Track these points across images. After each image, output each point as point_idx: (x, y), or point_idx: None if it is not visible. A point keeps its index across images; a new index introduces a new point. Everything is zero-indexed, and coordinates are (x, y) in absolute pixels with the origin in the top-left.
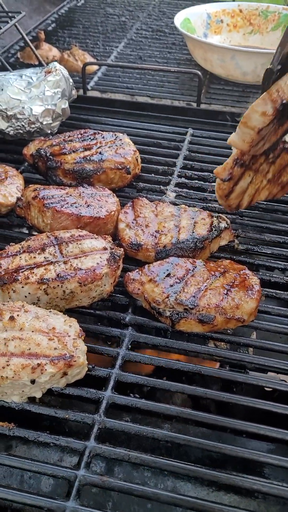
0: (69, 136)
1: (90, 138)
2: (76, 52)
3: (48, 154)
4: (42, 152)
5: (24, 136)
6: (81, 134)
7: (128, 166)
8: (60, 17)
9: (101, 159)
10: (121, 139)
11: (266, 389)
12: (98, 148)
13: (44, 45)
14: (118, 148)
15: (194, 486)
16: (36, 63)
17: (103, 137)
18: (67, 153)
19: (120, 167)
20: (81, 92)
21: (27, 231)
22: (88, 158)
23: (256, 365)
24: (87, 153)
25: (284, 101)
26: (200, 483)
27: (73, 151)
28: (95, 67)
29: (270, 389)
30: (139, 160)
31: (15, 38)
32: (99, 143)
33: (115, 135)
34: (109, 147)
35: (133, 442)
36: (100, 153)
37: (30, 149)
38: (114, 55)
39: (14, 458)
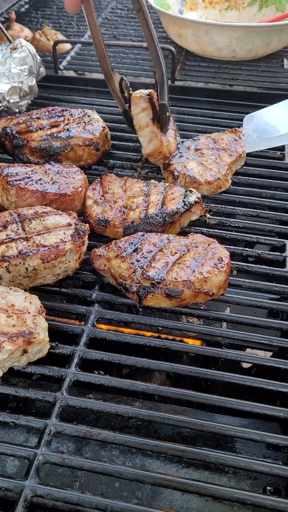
0: (37, 114)
1: (57, 115)
2: (48, 32)
3: (14, 132)
4: (8, 130)
5: None
6: (48, 112)
7: (96, 143)
8: None
9: (69, 135)
10: (89, 116)
11: (243, 364)
12: (65, 125)
13: (16, 26)
14: (86, 125)
15: (163, 463)
16: (8, 43)
17: (71, 114)
18: (33, 130)
19: (88, 144)
20: (52, 72)
21: None
22: (55, 135)
23: (229, 339)
24: (54, 130)
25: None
26: (170, 460)
27: (40, 129)
28: (68, 47)
29: (248, 365)
30: (109, 137)
31: None
32: (67, 120)
33: (83, 111)
34: (77, 123)
35: (102, 421)
36: (67, 129)
37: None
38: (88, 35)
39: None
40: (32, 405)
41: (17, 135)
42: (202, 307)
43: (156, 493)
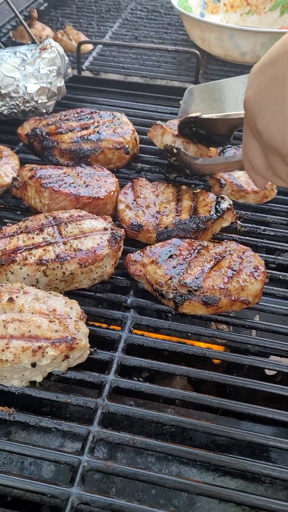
0: (65, 116)
1: (87, 117)
2: (70, 32)
3: (44, 134)
4: (38, 132)
5: (19, 116)
6: (77, 113)
7: (126, 146)
8: None
9: (99, 138)
10: (119, 119)
11: (267, 373)
12: (95, 127)
13: (37, 24)
14: (116, 128)
15: (199, 471)
16: (29, 42)
17: (101, 116)
18: (63, 132)
19: (118, 147)
20: (76, 72)
21: (23, 213)
22: (85, 137)
23: (260, 347)
24: (84, 132)
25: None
26: (206, 469)
27: (70, 130)
28: (90, 47)
29: (273, 373)
30: (138, 140)
31: (7, 17)
32: (97, 122)
33: (112, 114)
34: (107, 126)
35: (136, 427)
36: (98, 132)
37: (25, 129)
38: (109, 35)
39: (14, 443)
40: (67, 410)
41: (47, 136)
42: (231, 314)
43: (192, 502)
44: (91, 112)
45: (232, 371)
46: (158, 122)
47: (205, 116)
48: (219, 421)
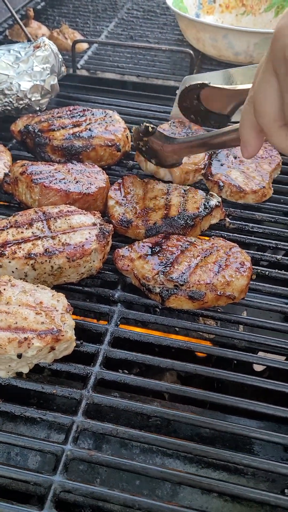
0: (58, 113)
1: (79, 114)
2: (66, 31)
3: (36, 131)
4: (31, 128)
5: (12, 113)
6: (70, 111)
7: (118, 143)
8: None
9: (91, 135)
10: (111, 116)
11: (255, 368)
12: (87, 124)
13: (33, 23)
14: (108, 125)
15: (183, 462)
16: (25, 41)
17: (93, 114)
18: (55, 129)
19: (110, 144)
20: (70, 70)
21: (14, 208)
22: (77, 134)
23: (246, 342)
24: (76, 129)
25: None
26: (189, 460)
27: (62, 128)
28: (85, 46)
29: (261, 369)
30: (129, 137)
31: (4, 16)
32: (89, 119)
33: (105, 112)
34: (99, 124)
35: (122, 419)
36: (89, 129)
37: (18, 126)
38: (104, 35)
39: (0, 433)
40: (53, 402)
41: (39, 133)
42: (219, 310)
43: (175, 492)
44: (84, 110)
45: (220, 367)
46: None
47: (214, 84)
48: (204, 414)
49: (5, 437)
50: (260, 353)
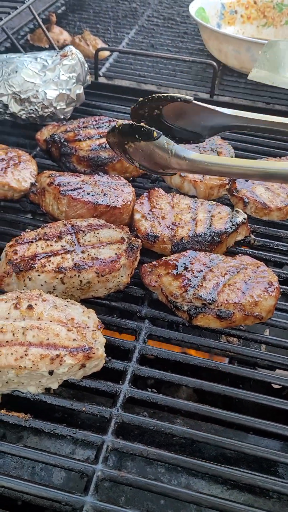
0: (84, 123)
1: (105, 125)
2: (88, 37)
3: (62, 140)
4: (56, 138)
5: (36, 121)
6: (95, 121)
7: None
8: (70, 0)
9: None
10: None
11: (274, 386)
12: None
13: (55, 28)
14: None
15: (208, 483)
16: (47, 46)
17: None
18: (82, 139)
19: None
20: (92, 78)
21: (40, 218)
22: (103, 145)
23: (267, 361)
24: (102, 140)
25: None
26: (214, 481)
27: (88, 138)
28: (107, 53)
29: (279, 387)
30: None
31: (25, 20)
32: None
33: None
34: None
35: (147, 437)
36: None
37: (43, 134)
38: (125, 42)
39: (30, 450)
40: (78, 416)
41: (65, 143)
42: (242, 328)
43: None
44: (109, 120)
45: (238, 384)
46: None
47: (196, 102)
48: (227, 433)
49: (35, 454)
50: (278, 371)
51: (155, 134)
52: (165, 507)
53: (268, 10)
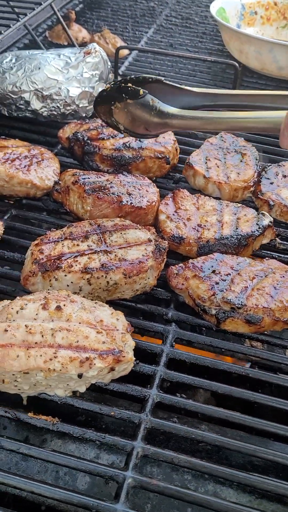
0: None
1: None
2: (107, 35)
3: (85, 139)
4: (80, 136)
5: (57, 118)
6: None
7: (167, 156)
8: None
9: (141, 146)
10: None
11: None
12: None
13: (74, 26)
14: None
15: (236, 492)
16: (65, 43)
17: None
18: (105, 138)
19: (159, 156)
20: (113, 76)
21: (64, 217)
22: (127, 144)
23: None
24: (126, 139)
25: None
26: (242, 489)
27: (112, 137)
28: (126, 52)
29: None
30: (178, 150)
31: (43, 17)
32: None
33: None
34: None
35: (172, 442)
36: (139, 140)
37: (66, 132)
38: (144, 41)
39: (59, 455)
40: (102, 421)
41: (88, 141)
42: (266, 332)
43: None
44: None
45: (258, 389)
46: (189, 162)
47: (168, 82)
48: (253, 440)
49: (64, 459)
50: None
51: (141, 92)
52: None
53: None
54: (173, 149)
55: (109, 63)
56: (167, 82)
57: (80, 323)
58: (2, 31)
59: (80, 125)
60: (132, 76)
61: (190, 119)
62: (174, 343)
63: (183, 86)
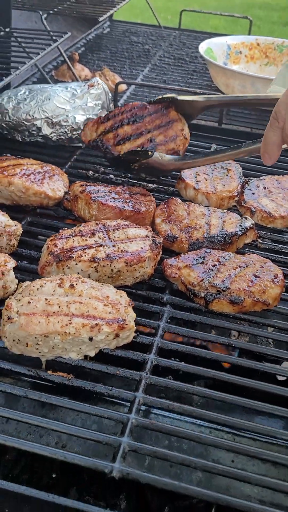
0: (120, 120)
1: (138, 116)
2: (107, 73)
3: (105, 147)
4: (100, 144)
5: (65, 142)
6: (129, 112)
7: (178, 150)
8: (88, 42)
9: (153, 147)
10: None
11: (279, 378)
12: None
13: (78, 65)
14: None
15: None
16: (70, 81)
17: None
18: (121, 142)
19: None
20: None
21: (73, 222)
22: (142, 147)
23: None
24: (139, 141)
25: None
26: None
27: (127, 140)
28: (124, 87)
29: (283, 379)
30: (188, 138)
31: (49, 58)
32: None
33: None
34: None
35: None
36: (151, 141)
37: (86, 135)
38: (140, 78)
39: (73, 402)
40: (108, 381)
41: (107, 149)
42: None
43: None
44: (140, 108)
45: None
46: (181, 176)
47: (179, 98)
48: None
49: (80, 406)
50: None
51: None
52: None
53: (269, 51)
54: (182, 142)
55: (110, 94)
56: (179, 98)
57: (90, 298)
58: (20, 67)
59: (96, 125)
60: (154, 99)
61: (192, 159)
62: (169, 320)
63: (191, 97)
